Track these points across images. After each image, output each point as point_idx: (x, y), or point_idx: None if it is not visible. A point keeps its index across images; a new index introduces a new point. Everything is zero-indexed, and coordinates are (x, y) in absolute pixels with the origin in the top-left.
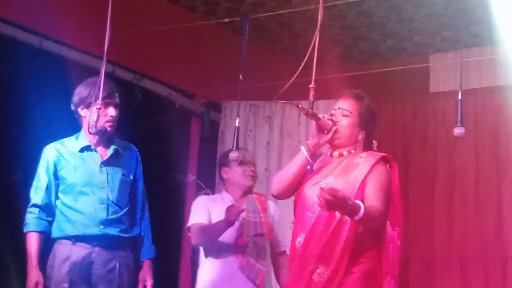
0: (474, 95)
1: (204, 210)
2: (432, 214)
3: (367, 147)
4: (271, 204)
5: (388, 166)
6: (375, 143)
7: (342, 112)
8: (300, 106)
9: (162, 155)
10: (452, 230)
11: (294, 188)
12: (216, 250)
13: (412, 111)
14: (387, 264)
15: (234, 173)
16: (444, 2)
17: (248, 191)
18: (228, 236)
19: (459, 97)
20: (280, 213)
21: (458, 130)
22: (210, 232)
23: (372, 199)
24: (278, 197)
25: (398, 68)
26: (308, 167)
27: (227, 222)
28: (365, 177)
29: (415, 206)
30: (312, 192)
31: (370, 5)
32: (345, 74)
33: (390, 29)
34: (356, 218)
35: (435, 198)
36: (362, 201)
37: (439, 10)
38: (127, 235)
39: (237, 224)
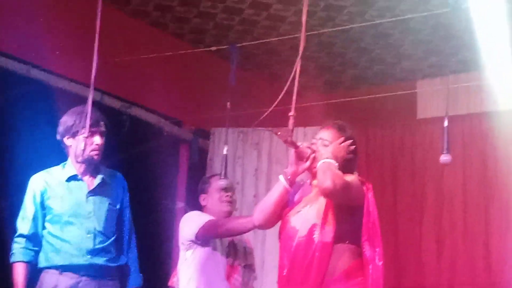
0: (461, 121)
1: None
2: (421, 239)
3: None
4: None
5: (364, 187)
6: (355, 174)
7: (323, 142)
8: (279, 133)
9: (150, 182)
10: (441, 255)
11: (276, 217)
12: (211, 273)
13: (400, 136)
14: (370, 285)
15: (212, 200)
16: (431, 28)
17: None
18: (223, 261)
19: (445, 124)
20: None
21: (444, 157)
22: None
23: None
24: (260, 227)
25: (386, 94)
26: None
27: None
28: None
29: (404, 231)
30: (294, 221)
31: (357, 31)
32: (333, 101)
33: (377, 55)
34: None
35: (424, 223)
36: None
37: (426, 36)
38: (114, 264)
39: (226, 250)
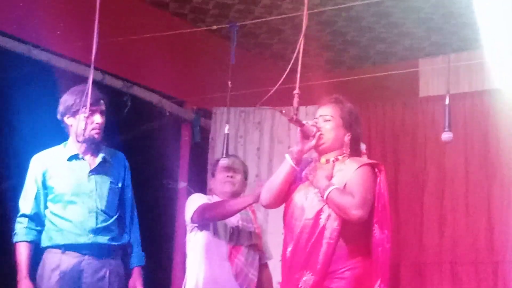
0: (463, 99)
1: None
2: (423, 217)
3: (354, 149)
4: (259, 214)
5: (376, 170)
6: (363, 145)
7: (324, 118)
8: (283, 112)
9: (152, 162)
10: (443, 233)
11: (283, 197)
12: (213, 254)
13: (401, 115)
14: (376, 267)
15: (215, 181)
16: (432, 7)
17: (233, 197)
18: (220, 242)
19: (447, 102)
20: (262, 224)
21: (446, 135)
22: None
23: (349, 191)
24: (268, 206)
25: (388, 73)
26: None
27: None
28: (347, 180)
29: (405, 210)
30: (299, 199)
31: (358, 10)
32: (335, 80)
33: (379, 34)
34: (324, 195)
35: (425, 202)
36: None
37: (428, 14)
38: (117, 243)
39: (230, 231)
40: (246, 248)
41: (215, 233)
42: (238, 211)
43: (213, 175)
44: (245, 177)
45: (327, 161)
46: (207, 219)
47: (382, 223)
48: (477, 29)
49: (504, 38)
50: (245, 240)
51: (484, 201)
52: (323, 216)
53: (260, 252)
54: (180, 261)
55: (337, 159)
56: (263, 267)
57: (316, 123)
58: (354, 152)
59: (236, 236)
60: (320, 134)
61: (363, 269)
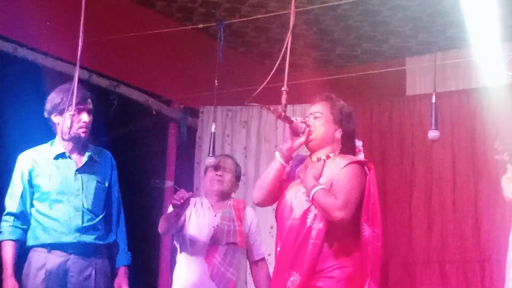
0: (450, 98)
1: None
2: (411, 216)
3: (348, 146)
4: (249, 211)
5: (365, 168)
6: (359, 142)
7: (314, 115)
8: (272, 108)
9: (139, 161)
10: (431, 232)
11: (275, 195)
12: (189, 255)
13: (389, 114)
14: (366, 266)
15: (205, 179)
16: (419, 6)
17: (221, 196)
18: (201, 242)
19: (433, 100)
20: (258, 219)
21: (432, 133)
22: (166, 218)
23: (334, 192)
24: (259, 204)
25: (375, 71)
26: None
27: (173, 206)
28: (332, 178)
29: (393, 209)
30: (289, 197)
31: (346, 9)
32: (322, 78)
33: (366, 33)
34: (310, 195)
35: (413, 200)
36: None
37: (415, 13)
38: (103, 242)
39: (211, 230)
40: (224, 247)
41: (192, 233)
42: (176, 221)
43: (205, 173)
44: (237, 178)
45: (318, 159)
46: (163, 230)
47: (372, 221)
48: (464, 28)
49: (491, 37)
50: (223, 239)
51: (471, 199)
52: (310, 216)
53: (242, 250)
54: (166, 260)
55: (328, 157)
56: (256, 263)
57: (306, 120)
58: (347, 148)
59: (214, 235)
60: (309, 131)
61: (353, 268)
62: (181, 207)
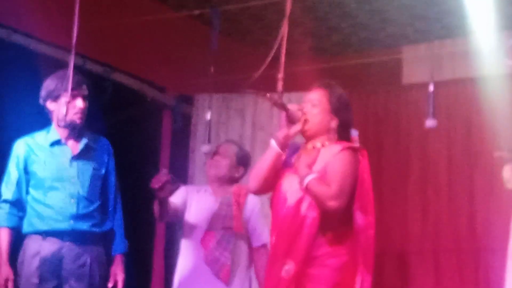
0: (447, 87)
1: (180, 193)
2: (406, 205)
3: (343, 135)
4: (252, 197)
5: (358, 154)
6: (355, 132)
7: (311, 102)
8: (268, 95)
9: (133, 148)
10: (426, 221)
11: (271, 182)
12: (188, 240)
13: (384, 102)
14: (360, 254)
15: (205, 166)
16: None
17: (220, 182)
18: (198, 227)
19: (431, 89)
20: (260, 206)
21: (429, 122)
22: (154, 205)
23: (327, 181)
24: (256, 193)
25: (371, 60)
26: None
27: (153, 191)
28: (326, 164)
29: (388, 198)
30: (284, 186)
31: None
32: (318, 66)
33: (362, 21)
34: (303, 184)
35: (409, 190)
36: None
37: (411, 1)
38: (99, 230)
39: (208, 216)
40: (220, 232)
41: (192, 219)
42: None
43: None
44: (238, 162)
45: (314, 147)
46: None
47: (366, 208)
48: (461, 16)
49: (488, 26)
50: (219, 224)
51: (466, 189)
52: (304, 205)
53: (241, 235)
54: (160, 248)
55: (323, 145)
56: (257, 249)
57: (302, 107)
58: (343, 138)
59: (210, 220)
60: (306, 119)
61: (348, 256)
62: (161, 191)
